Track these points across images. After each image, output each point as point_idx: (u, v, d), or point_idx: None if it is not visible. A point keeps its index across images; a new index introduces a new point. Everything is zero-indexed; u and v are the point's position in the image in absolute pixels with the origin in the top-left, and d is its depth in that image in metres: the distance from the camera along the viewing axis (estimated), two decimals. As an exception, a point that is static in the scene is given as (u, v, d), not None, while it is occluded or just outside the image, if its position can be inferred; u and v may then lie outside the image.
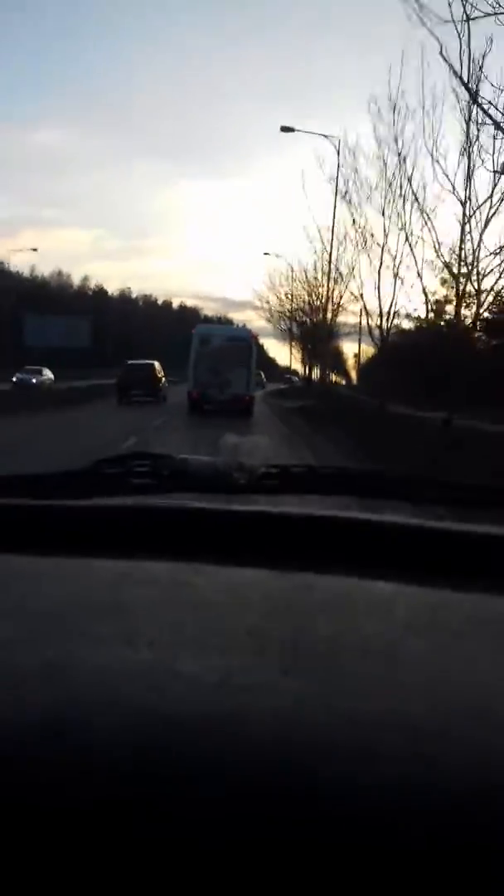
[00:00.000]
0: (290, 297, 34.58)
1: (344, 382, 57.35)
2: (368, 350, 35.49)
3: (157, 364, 23.89)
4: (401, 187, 14.15)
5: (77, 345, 52.56)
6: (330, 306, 25.20)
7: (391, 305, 15.64)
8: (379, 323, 16.32)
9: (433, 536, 0.70)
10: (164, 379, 23.71)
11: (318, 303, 27.73)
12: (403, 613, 0.57)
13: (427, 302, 14.37)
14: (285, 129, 22.30)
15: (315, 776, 0.37)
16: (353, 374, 55.59)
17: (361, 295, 17.63)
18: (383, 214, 14.92)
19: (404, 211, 14.05)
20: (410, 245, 13.87)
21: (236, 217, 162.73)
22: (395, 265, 15.14)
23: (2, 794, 0.36)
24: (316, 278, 27.55)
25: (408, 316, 18.35)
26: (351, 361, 54.17)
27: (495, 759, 0.38)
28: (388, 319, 16.00)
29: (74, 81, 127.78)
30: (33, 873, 0.34)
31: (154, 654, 0.47)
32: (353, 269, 19.25)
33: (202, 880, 0.33)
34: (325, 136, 20.12)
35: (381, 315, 16.04)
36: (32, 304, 56.28)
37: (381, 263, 15.80)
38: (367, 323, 18.03)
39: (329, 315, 26.03)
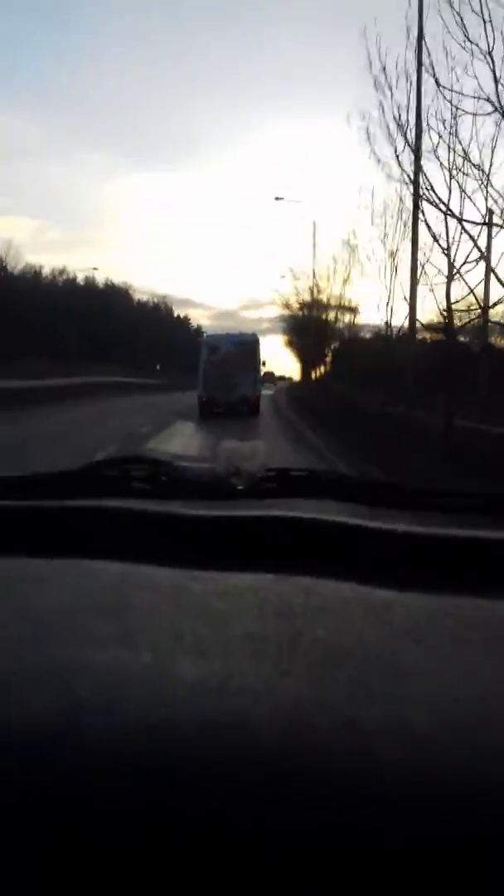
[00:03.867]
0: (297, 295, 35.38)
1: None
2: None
3: None
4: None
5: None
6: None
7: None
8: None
9: (432, 542, 0.70)
10: None
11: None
12: (403, 618, 0.57)
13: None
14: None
15: (314, 780, 0.37)
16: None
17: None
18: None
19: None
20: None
21: (187, 211, 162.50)
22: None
23: (2, 798, 0.36)
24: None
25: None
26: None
27: (495, 765, 0.38)
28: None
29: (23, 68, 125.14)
30: (33, 876, 0.34)
31: (153, 658, 0.47)
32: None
33: (202, 884, 0.33)
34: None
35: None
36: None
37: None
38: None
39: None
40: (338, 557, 0.68)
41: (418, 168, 10.66)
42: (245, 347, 20.59)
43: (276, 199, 31.51)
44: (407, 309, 14.95)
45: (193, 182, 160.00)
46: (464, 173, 9.57)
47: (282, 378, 64.76)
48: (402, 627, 0.55)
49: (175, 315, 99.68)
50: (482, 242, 10.58)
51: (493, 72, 8.09)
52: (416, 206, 12.10)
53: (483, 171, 9.06)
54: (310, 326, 32.27)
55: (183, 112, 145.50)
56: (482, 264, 10.59)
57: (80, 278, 73.15)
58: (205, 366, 20.09)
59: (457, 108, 9.59)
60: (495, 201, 8.87)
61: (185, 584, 0.62)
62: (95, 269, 61.95)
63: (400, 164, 11.09)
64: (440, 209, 10.03)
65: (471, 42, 8.31)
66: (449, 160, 9.81)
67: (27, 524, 0.74)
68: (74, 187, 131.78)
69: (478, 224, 9.69)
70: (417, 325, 14.44)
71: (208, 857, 0.34)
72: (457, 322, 11.44)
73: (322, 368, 38.29)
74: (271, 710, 0.42)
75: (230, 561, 0.67)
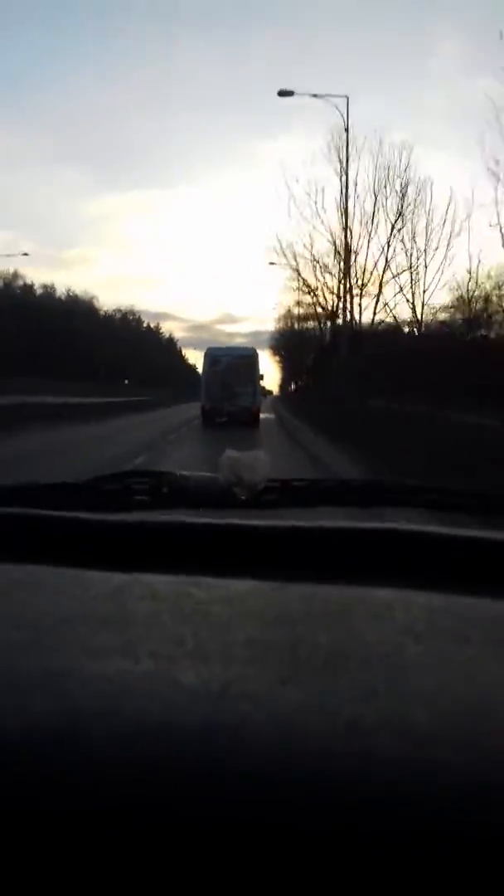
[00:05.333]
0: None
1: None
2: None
3: None
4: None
5: None
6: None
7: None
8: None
9: (432, 543, 0.70)
10: None
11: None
12: (403, 621, 0.57)
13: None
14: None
15: (316, 784, 0.37)
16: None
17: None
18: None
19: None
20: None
21: (164, 227, 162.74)
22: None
23: (2, 804, 0.36)
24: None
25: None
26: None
27: (497, 766, 0.38)
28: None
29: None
30: (33, 881, 0.34)
31: (154, 665, 0.47)
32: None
33: (204, 888, 0.33)
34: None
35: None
36: None
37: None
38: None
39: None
40: (338, 562, 0.68)
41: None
42: (246, 360, 21.86)
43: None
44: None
45: (174, 198, 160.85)
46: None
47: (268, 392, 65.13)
48: (403, 629, 0.55)
49: (145, 325, 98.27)
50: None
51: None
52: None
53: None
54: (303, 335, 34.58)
55: (162, 130, 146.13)
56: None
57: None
58: (207, 377, 21.31)
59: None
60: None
61: (187, 590, 0.62)
62: (25, 254, 56.26)
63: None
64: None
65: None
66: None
67: (29, 533, 0.74)
68: (50, 202, 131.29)
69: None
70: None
71: (210, 860, 0.34)
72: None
73: (301, 380, 39.84)
74: (272, 715, 0.42)
75: (231, 568, 0.67)
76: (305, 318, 33.89)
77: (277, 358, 52.70)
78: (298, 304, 31.83)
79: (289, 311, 36.96)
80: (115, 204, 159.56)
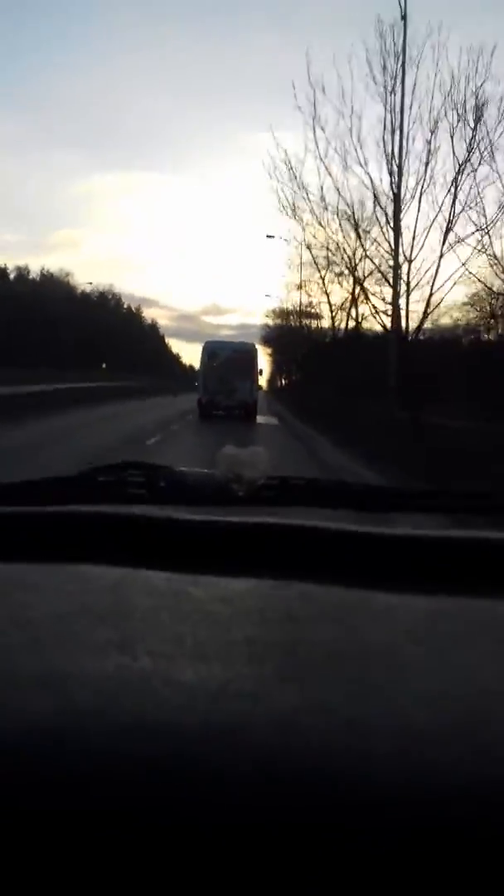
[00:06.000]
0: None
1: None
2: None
3: None
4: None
5: None
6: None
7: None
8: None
9: (431, 544, 0.71)
10: None
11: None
12: (402, 621, 0.57)
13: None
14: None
15: (315, 782, 0.37)
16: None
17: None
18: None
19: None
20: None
21: (154, 214, 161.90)
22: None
23: (1, 802, 0.36)
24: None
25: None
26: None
27: (496, 766, 0.38)
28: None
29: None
30: (33, 881, 0.34)
31: (152, 663, 0.47)
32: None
33: (203, 887, 0.33)
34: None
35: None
36: None
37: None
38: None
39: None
40: (337, 562, 0.68)
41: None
42: (245, 355, 21.98)
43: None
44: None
45: (163, 184, 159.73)
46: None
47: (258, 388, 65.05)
48: (402, 629, 0.56)
49: (126, 307, 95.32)
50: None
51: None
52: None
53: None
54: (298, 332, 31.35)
55: (152, 112, 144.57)
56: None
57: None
58: (205, 370, 21.42)
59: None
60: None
61: (185, 588, 0.61)
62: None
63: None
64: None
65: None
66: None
67: (24, 530, 0.74)
68: (34, 186, 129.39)
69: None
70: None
71: (210, 859, 0.34)
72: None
73: (290, 377, 38.56)
74: (271, 714, 0.42)
75: (230, 566, 0.67)
76: (308, 315, 30.73)
77: (269, 351, 51.71)
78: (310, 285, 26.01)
79: (292, 291, 32.69)
80: (102, 186, 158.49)
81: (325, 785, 0.37)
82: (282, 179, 17.32)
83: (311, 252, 20.54)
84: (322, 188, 16.63)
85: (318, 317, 29.73)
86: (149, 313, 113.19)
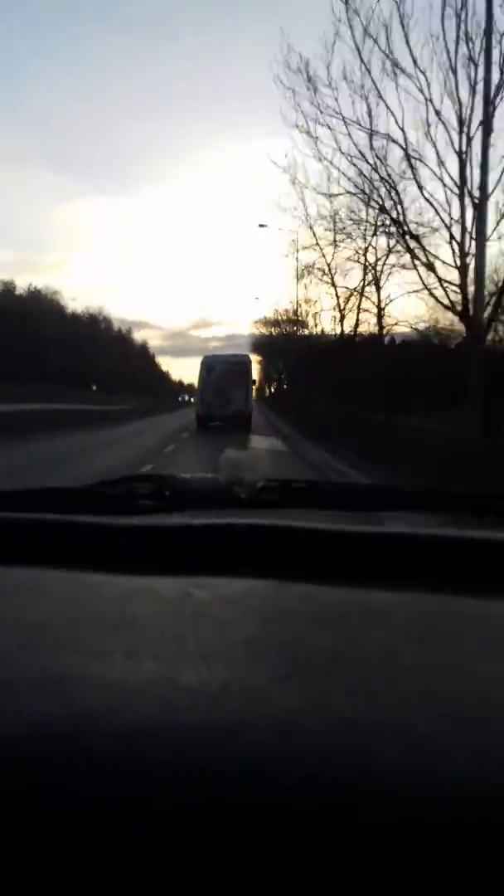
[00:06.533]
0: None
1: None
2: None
3: None
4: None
5: None
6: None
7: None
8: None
9: (431, 545, 0.71)
10: None
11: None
12: (402, 622, 0.58)
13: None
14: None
15: (316, 784, 0.37)
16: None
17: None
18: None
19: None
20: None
21: (138, 235, 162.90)
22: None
23: (4, 806, 0.36)
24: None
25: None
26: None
27: (496, 766, 0.38)
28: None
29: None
30: (35, 883, 0.34)
31: (155, 664, 0.48)
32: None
33: (204, 888, 0.33)
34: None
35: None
36: None
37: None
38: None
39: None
40: (338, 563, 0.68)
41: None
42: (239, 367, 22.73)
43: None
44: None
45: (146, 206, 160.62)
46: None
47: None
48: (402, 629, 0.56)
49: (117, 330, 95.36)
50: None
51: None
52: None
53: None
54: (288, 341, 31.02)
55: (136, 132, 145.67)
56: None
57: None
58: (203, 383, 22.28)
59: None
60: None
61: (187, 590, 0.62)
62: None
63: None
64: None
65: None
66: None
67: (31, 537, 0.74)
68: (24, 207, 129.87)
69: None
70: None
71: (210, 861, 0.34)
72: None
73: (276, 385, 38.42)
74: (272, 715, 0.42)
75: (231, 568, 0.68)
76: (302, 323, 29.79)
77: (258, 359, 51.90)
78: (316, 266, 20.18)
79: (293, 293, 31.04)
80: (88, 212, 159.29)
81: (326, 785, 0.37)
82: (297, 88, 13.04)
83: (313, 232, 17.16)
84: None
85: (306, 325, 29.54)
86: (139, 335, 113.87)
